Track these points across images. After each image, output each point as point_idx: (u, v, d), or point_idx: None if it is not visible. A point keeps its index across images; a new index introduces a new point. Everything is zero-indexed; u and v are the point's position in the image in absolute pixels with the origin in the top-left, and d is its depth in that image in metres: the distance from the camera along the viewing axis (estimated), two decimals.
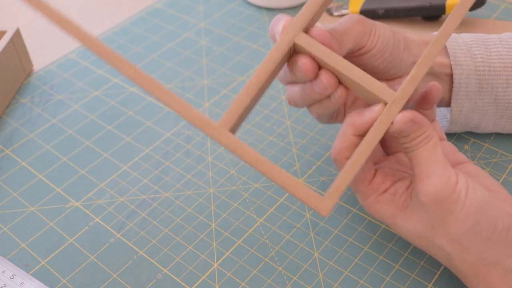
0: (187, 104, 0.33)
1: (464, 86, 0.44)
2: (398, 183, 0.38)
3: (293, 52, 0.36)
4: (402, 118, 0.33)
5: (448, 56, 0.44)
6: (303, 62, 0.35)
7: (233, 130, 0.34)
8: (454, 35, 0.46)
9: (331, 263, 0.41)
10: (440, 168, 0.34)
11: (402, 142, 0.35)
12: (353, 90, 0.37)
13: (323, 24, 0.39)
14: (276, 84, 0.56)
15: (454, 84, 0.44)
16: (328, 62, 0.34)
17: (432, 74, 0.45)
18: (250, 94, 0.33)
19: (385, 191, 0.37)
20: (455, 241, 0.35)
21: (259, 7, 0.68)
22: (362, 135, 0.35)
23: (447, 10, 0.59)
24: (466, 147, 0.49)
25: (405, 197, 0.37)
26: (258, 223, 0.44)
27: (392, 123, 0.34)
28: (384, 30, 0.40)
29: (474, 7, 0.58)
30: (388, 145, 0.41)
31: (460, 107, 0.45)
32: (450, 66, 0.44)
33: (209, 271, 0.41)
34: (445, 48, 0.45)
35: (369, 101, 0.36)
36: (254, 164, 0.33)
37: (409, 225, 0.36)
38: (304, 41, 0.34)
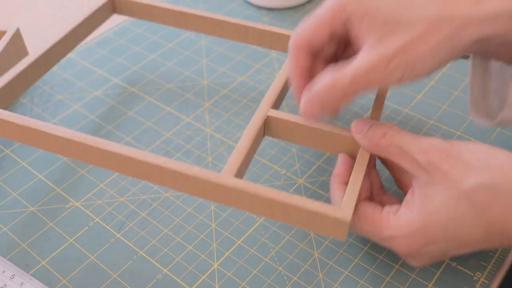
0: (187, 166, 0.37)
1: None
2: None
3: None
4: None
5: None
6: None
7: (239, 176, 0.38)
8: None
9: (331, 263, 0.41)
10: (424, 138, 0.37)
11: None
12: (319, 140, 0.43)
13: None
14: None
15: None
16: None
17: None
18: (245, 144, 0.40)
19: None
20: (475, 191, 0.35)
21: (259, 7, 0.68)
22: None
23: None
24: None
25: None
26: (258, 223, 0.44)
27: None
28: (423, 66, 0.37)
29: None
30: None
31: None
32: None
33: (209, 271, 0.41)
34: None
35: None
36: (271, 196, 0.36)
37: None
38: (273, 114, 0.42)
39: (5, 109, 0.41)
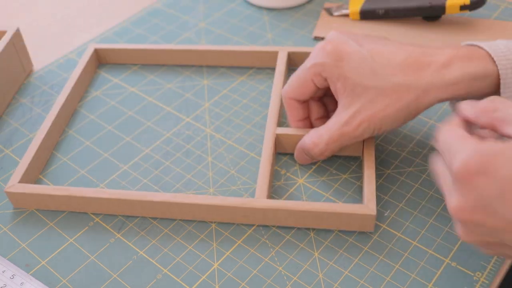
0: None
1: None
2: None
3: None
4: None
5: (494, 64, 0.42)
6: None
7: (269, 196, 0.45)
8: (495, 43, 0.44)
9: (331, 263, 0.41)
10: None
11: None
12: None
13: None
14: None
15: (501, 81, 0.41)
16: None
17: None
18: (267, 167, 0.45)
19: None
20: None
21: (259, 7, 0.68)
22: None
23: (447, 10, 0.59)
24: None
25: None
26: (258, 223, 0.44)
27: None
28: (390, 127, 0.43)
29: (474, 7, 0.58)
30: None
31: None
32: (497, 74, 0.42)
33: (209, 271, 0.41)
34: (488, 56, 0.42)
35: None
36: (301, 208, 0.42)
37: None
38: (281, 132, 0.48)
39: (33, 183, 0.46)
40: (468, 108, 0.37)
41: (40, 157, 0.48)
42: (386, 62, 0.42)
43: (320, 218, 0.42)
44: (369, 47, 0.43)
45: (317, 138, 0.44)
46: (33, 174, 0.47)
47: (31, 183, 0.47)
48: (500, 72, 0.41)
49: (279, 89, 0.52)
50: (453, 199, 0.33)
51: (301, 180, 0.47)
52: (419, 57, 0.42)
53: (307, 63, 0.45)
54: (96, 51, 0.59)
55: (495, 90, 0.42)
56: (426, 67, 0.41)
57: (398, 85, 0.41)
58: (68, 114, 0.54)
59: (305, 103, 0.48)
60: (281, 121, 0.52)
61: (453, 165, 0.33)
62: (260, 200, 0.43)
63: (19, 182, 0.45)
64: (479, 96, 0.42)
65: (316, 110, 0.48)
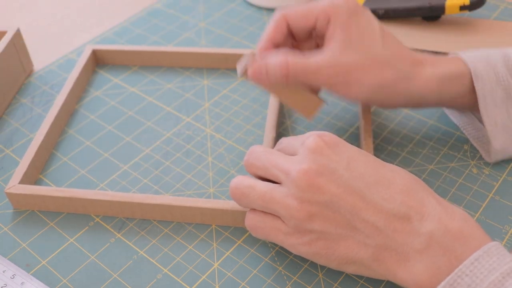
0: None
1: (489, 95, 0.44)
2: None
3: None
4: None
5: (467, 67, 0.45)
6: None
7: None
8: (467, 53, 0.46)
9: None
10: None
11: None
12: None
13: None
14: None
15: (478, 97, 0.44)
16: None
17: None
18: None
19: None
20: None
21: (259, 7, 0.68)
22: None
23: (446, 10, 0.59)
24: (465, 147, 0.49)
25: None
26: None
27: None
28: (359, 89, 0.43)
29: (474, 7, 0.58)
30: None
31: (493, 119, 0.44)
32: (470, 76, 0.44)
33: (209, 271, 0.41)
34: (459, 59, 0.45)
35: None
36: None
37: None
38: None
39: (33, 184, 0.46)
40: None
41: (40, 157, 0.48)
42: None
43: None
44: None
45: (304, 59, 0.43)
46: (33, 175, 0.47)
47: (31, 183, 0.47)
48: (469, 65, 0.44)
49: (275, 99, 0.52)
50: (303, 165, 0.36)
51: None
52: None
53: (320, 2, 0.44)
54: (94, 52, 0.59)
55: (470, 88, 0.45)
56: None
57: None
58: (68, 114, 0.54)
59: (285, 38, 0.46)
60: (281, 121, 0.52)
61: (305, 142, 0.37)
62: None
63: (20, 183, 0.45)
64: (452, 96, 0.45)
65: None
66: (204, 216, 0.43)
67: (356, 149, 0.37)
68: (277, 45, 0.45)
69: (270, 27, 0.45)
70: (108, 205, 0.44)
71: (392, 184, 0.35)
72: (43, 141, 0.49)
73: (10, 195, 0.45)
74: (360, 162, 0.36)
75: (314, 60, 0.43)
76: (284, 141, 0.41)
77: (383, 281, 0.40)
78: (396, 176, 0.36)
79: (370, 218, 0.34)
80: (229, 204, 0.43)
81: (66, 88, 0.54)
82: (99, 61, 0.60)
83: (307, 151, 0.36)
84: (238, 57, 0.57)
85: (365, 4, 0.62)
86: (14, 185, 0.45)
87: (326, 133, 0.37)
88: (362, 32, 0.42)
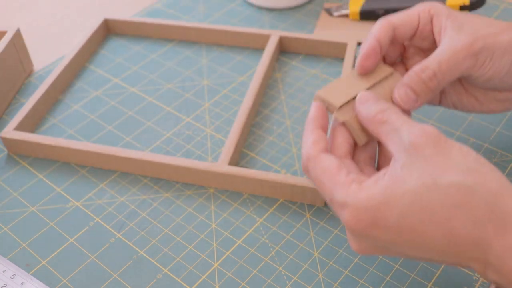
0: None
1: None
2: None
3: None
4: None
5: None
6: None
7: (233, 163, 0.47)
8: None
9: (331, 263, 0.41)
10: (419, 123, 0.34)
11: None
12: None
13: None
14: (276, 84, 0.56)
15: None
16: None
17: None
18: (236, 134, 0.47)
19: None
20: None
21: (259, 7, 0.68)
22: None
23: None
24: None
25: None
26: (258, 223, 0.44)
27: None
28: (501, 59, 0.40)
29: (474, 7, 0.58)
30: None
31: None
32: None
33: (209, 271, 0.41)
34: None
35: None
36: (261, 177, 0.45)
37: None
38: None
39: (32, 132, 0.51)
40: (363, 110, 0.37)
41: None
42: None
43: (275, 187, 0.45)
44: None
45: (423, 64, 0.40)
46: (32, 125, 0.50)
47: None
48: None
49: (264, 70, 0.55)
50: (351, 243, 0.36)
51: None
52: None
53: (415, 6, 0.43)
54: (106, 22, 0.63)
55: None
56: None
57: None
58: (74, 72, 0.58)
59: (388, 46, 0.42)
60: (281, 121, 0.52)
61: (343, 218, 0.34)
62: (221, 164, 0.46)
63: (15, 129, 0.50)
64: None
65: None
66: (171, 173, 0.46)
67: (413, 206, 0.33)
68: (382, 49, 0.41)
69: (376, 29, 0.41)
70: (99, 157, 0.48)
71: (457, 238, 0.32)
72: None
73: (5, 140, 0.49)
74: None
75: (448, 48, 0.40)
76: (392, 116, 0.36)
77: (383, 280, 0.40)
78: (459, 217, 0.32)
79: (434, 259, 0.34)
80: (194, 163, 0.45)
81: (76, 47, 0.58)
82: (110, 30, 0.64)
83: (348, 231, 0.35)
84: (236, 35, 0.61)
85: (365, 4, 0.62)
86: (9, 131, 0.49)
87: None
88: (467, 17, 0.41)
